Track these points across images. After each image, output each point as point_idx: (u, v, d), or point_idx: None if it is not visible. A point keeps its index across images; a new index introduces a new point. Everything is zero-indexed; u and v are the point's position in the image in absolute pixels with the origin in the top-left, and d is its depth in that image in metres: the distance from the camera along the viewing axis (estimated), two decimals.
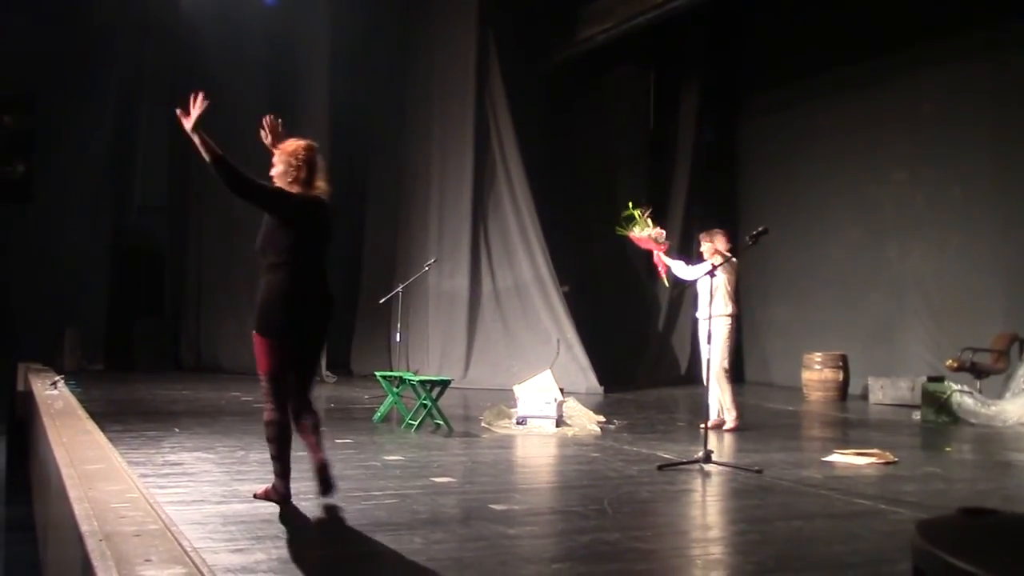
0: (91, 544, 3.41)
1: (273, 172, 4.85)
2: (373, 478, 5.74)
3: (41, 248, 15.09)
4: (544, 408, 8.42)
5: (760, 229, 6.64)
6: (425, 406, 8.12)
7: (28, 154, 15.57)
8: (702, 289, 8.58)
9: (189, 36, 14.67)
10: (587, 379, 12.66)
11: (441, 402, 8.27)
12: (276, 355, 4.69)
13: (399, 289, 11.05)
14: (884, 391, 11.77)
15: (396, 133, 14.91)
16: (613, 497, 5.23)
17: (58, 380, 9.71)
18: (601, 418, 8.87)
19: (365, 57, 15.31)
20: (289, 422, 4.78)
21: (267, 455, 4.92)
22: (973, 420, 9.47)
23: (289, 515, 4.56)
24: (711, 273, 7.39)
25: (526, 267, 13.49)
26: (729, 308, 8.66)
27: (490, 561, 3.89)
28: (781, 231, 11.82)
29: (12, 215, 15.23)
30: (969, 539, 1.67)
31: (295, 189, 4.80)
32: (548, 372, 9.00)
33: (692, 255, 9.72)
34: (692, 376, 13.87)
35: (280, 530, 4.28)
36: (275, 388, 4.72)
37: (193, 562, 3.29)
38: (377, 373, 9.38)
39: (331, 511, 4.70)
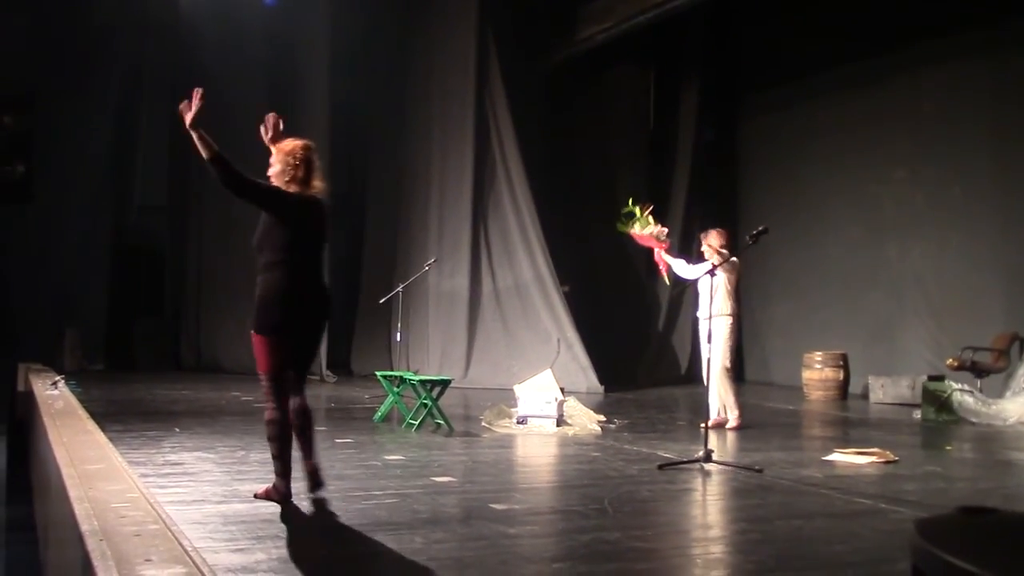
0: (91, 544, 3.41)
1: (271, 171, 4.88)
2: (374, 477, 5.74)
3: (41, 248, 15.07)
4: (544, 407, 8.42)
5: (760, 228, 6.63)
6: (426, 406, 8.12)
7: (28, 154, 15.56)
8: (703, 288, 8.58)
9: (189, 36, 14.66)
10: (587, 378, 12.66)
11: (441, 402, 8.27)
12: (275, 353, 4.70)
13: (399, 289, 11.05)
14: (884, 390, 11.77)
15: (396, 133, 14.91)
16: (614, 496, 5.23)
17: (58, 380, 9.70)
18: (601, 417, 8.87)
19: (365, 57, 15.31)
20: (290, 421, 4.79)
21: (267, 455, 4.93)
22: (973, 419, 9.47)
23: (290, 515, 4.56)
24: (711, 272, 7.40)
25: (526, 267, 13.49)
26: (730, 307, 8.66)
27: (491, 560, 3.89)
28: (781, 230, 11.81)
29: (12, 215, 15.22)
30: (968, 538, 1.67)
31: (292, 188, 4.82)
32: (548, 371, 9.00)
33: (692, 254, 9.71)
34: (692, 375, 13.87)
35: (281, 530, 4.29)
36: (276, 387, 4.73)
37: (193, 562, 3.29)
38: (377, 373, 9.38)
39: (331, 511, 4.70)
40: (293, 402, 4.84)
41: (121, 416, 8.38)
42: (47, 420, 6.86)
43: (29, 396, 9.08)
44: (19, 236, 15.19)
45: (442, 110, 14.18)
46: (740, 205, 15.33)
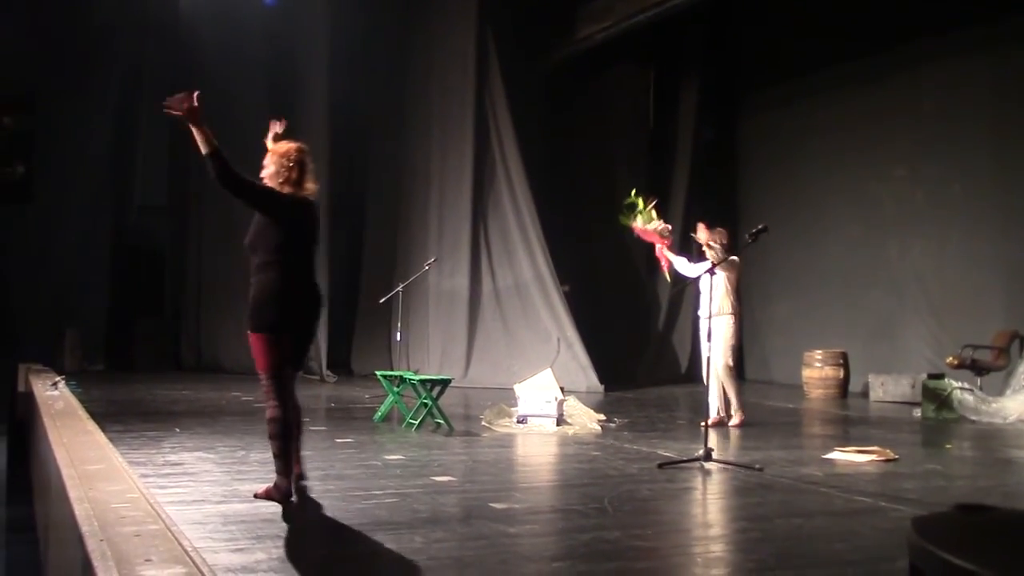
0: (91, 544, 3.41)
1: (264, 173, 4.92)
2: (374, 477, 5.74)
3: (41, 248, 15.07)
4: (544, 407, 8.42)
5: (760, 227, 6.63)
6: (426, 405, 8.12)
7: (28, 154, 15.55)
8: (704, 287, 8.58)
9: (189, 36, 14.67)
10: (587, 378, 12.66)
11: (441, 401, 8.28)
12: (274, 350, 4.72)
13: (399, 288, 11.05)
14: (885, 388, 11.77)
15: (396, 132, 14.90)
16: (614, 495, 5.23)
17: (59, 381, 9.71)
18: (601, 416, 8.88)
19: (364, 56, 15.30)
20: (297, 417, 4.82)
21: (268, 455, 4.93)
22: (973, 417, 9.47)
23: (290, 514, 4.56)
24: (711, 271, 7.39)
25: (526, 266, 13.49)
26: (731, 306, 8.67)
27: (491, 560, 3.90)
28: (781, 229, 11.82)
29: (12, 215, 15.22)
30: (964, 535, 1.66)
31: (286, 190, 4.87)
32: (548, 371, 9.01)
33: (692, 253, 9.71)
34: (692, 374, 13.87)
35: (281, 529, 4.29)
36: (277, 384, 4.74)
37: (193, 562, 3.29)
38: (377, 372, 9.38)
39: (331, 511, 4.70)
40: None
41: (121, 416, 8.39)
42: (47, 420, 6.86)
43: (29, 396, 9.09)
44: (19, 236, 15.19)
45: (442, 109, 14.18)
46: (740, 204, 15.33)
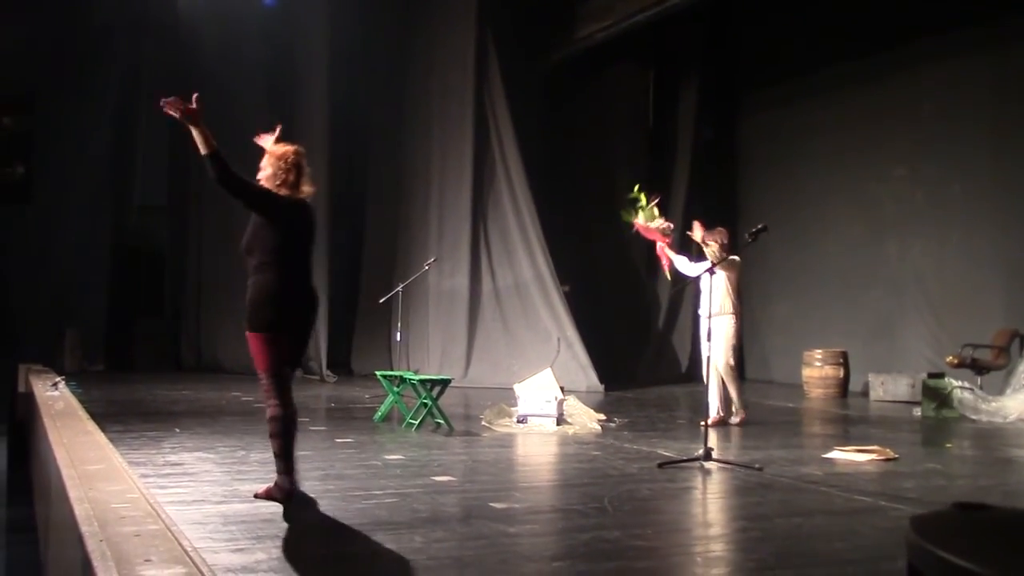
0: (91, 544, 3.41)
1: (261, 175, 4.91)
2: (374, 477, 5.74)
3: (41, 248, 15.08)
4: (544, 406, 8.42)
5: (759, 227, 6.63)
6: (426, 405, 8.12)
7: (28, 154, 15.57)
8: (705, 286, 8.58)
9: (188, 36, 14.67)
10: (587, 377, 12.66)
11: (441, 401, 8.27)
12: (273, 349, 4.72)
13: (399, 288, 11.05)
14: (884, 388, 11.77)
15: (395, 132, 14.90)
16: (614, 495, 5.23)
17: (59, 381, 9.71)
18: (601, 416, 8.88)
19: (364, 56, 15.29)
20: (293, 416, 4.81)
21: (268, 455, 4.92)
22: (973, 416, 9.47)
23: (290, 515, 4.56)
24: (711, 271, 7.40)
25: (526, 266, 13.49)
26: (732, 306, 8.67)
27: (491, 559, 3.90)
28: (781, 228, 11.82)
29: (12, 215, 15.23)
30: (963, 534, 1.66)
31: (282, 192, 4.87)
32: (548, 370, 9.00)
33: (692, 252, 9.71)
34: (693, 374, 13.87)
35: (280, 529, 4.29)
36: (277, 383, 4.74)
37: (193, 562, 3.29)
38: (377, 372, 9.38)
39: (331, 511, 4.70)
40: None
41: (121, 416, 8.39)
42: (47, 421, 6.86)
43: (29, 397, 9.09)
44: (19, 236, 15.19)
45: (441, 109, 14.18)
46: (740, 203, 15.33)
